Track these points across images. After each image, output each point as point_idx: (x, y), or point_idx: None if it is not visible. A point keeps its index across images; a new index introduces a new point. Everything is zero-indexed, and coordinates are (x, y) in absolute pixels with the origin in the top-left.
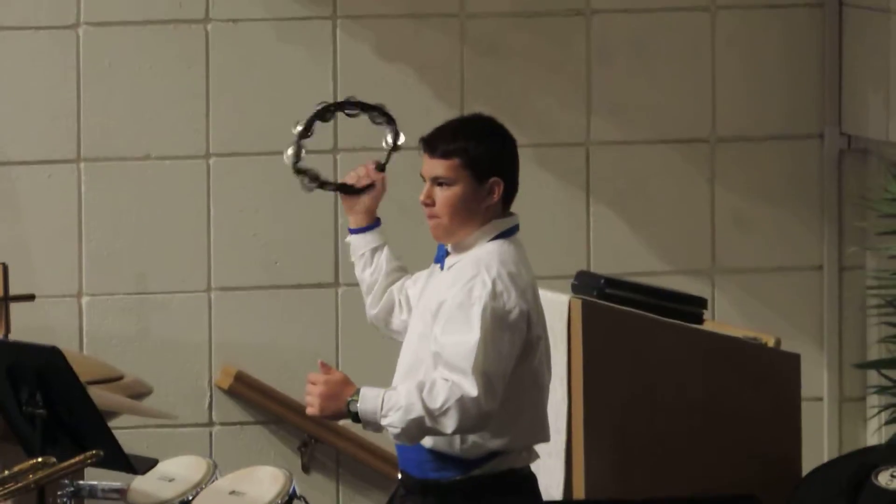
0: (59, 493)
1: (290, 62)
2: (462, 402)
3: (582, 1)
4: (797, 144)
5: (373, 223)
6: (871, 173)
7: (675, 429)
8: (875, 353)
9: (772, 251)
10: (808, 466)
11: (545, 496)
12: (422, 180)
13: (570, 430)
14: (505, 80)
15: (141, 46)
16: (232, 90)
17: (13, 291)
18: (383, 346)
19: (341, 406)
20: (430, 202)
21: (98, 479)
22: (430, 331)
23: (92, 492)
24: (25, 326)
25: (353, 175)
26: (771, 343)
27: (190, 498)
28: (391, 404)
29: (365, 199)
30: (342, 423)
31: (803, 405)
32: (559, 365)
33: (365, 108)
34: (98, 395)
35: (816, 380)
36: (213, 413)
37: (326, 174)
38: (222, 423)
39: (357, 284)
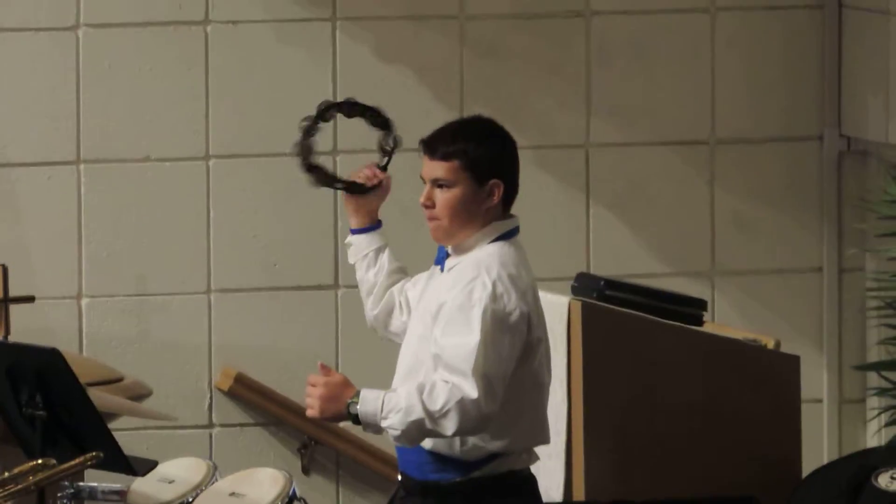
0: (59, 494)
1: (289, 64)
2: (462, 403)
3: (581, 2)
4: (797, 146)
5: (374, 224)
6: (871, 175)
7: (674, 430)
8: (875, 354)
9: (771, 253)
10: (807, 468)
11: (545, 498)
12: (422, 182)
13: (570, 431)
14: (504, 82)
15: (141, 48)
16: (232, 92)
17: (13, 293)
18: (383, 348)
19: (341, 408)
20: (430, 204)
21: (98, 480)
22: (430, 332)
23: (92, 493)
24: (25, 328)
25: (362, 175)
26: (771, 345)
27: (190, 500)
28: (391, 406)
29: (370, 200)
30: (342, 424)
31: (803, 407)
32: (559, 367)
33: (362, 109)
34: (98, 396)
35: (816, 382)
36: (213, 415)
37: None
38: (222, 425)
39: (357, 286)
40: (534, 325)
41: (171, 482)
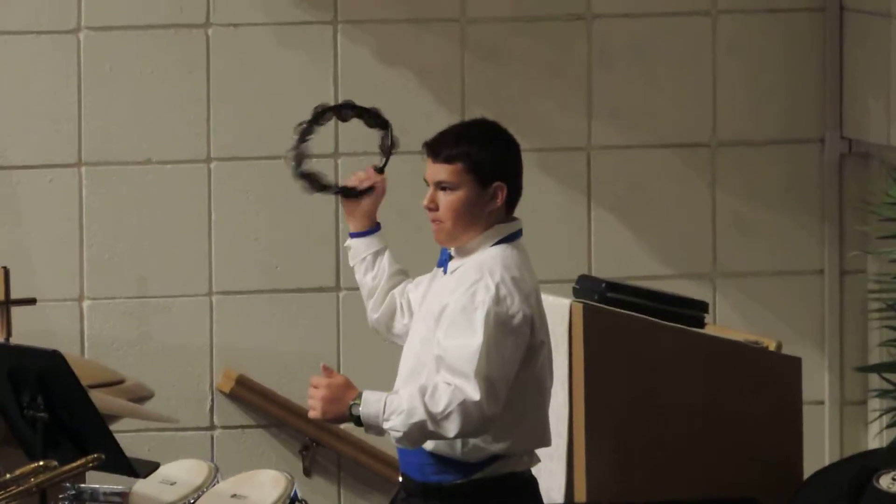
0: (60, 496)
1: (290, 67)
2: (464, 406)
3: (583, 5)
4: (798, 149)
5: (373, 227)
6: (872, 177)
7: (676, 432)
8: (876, 356)
9: (773, 255)
10: (809, 470)
11: (546, 499)
12: (424, 185)
13: (571, 433)
14: (506, 85)
15: (142, 51)
16: (233, 95)
17: (14, 295)
18: (384, 350)
19: (343, 409)
20: (433, 206)
21: (99, 482)
22: (433, 334)
23: (93, 495)
24: (27, 330)
25: (354, 178)
26: (772, 347)
27: (191, 501)
28: (393, 408)
29: (365, 203)
30: (343, 426)
31: (804, 409)
32: (560, 368)
33: (359, 111)
34: (99, 398)
35: (818, 383)
36: (215, 417)
37: (328, 178)
38: (224, 427)
39: (358, 288)
40: (536, 328)
41: (172, 484)
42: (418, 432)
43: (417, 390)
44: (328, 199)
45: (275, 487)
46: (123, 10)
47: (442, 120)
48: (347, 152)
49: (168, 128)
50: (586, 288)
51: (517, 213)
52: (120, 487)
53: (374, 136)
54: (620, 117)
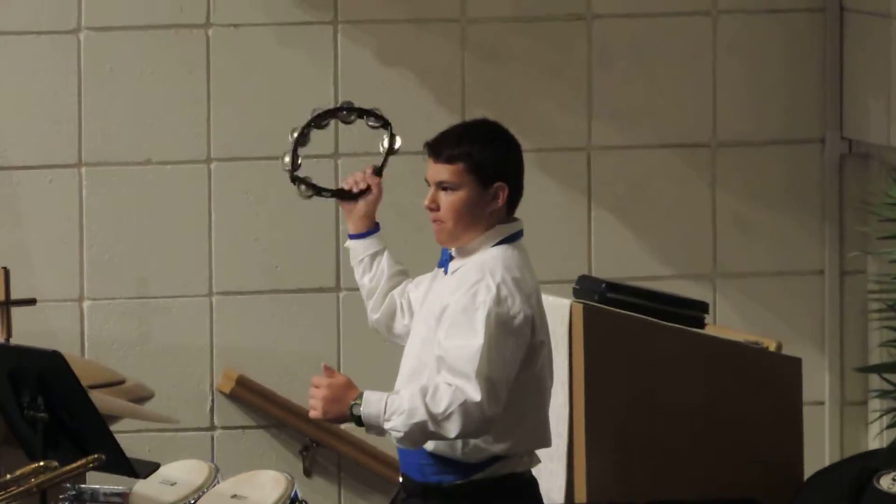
0: (60, 496)
1: (291, 67)
2: (465, 406)
3: (583, 5)
4: (798, 149)
5: (372, 228)
6: (873, 178)
7: (676, 433)
8: (876, 356)
9: (773, 255)
10: (809, 470)
11: (547, 500)
12: (425, 185)
13: (571, 434)
14: (506, 85)
15: (142, 51)
16: (233, 95)
17: (15, 296)
18: (385, 350)
19: (344, 409)
20: (434, 207)
21: (100, 482)
22: (434, 335)
23: (94, 496)
24: (27, 331)
25: (349, 180)
26: (772, 347)
27: (192, 502)
28: (394, 408)
29: (362, 204)
30: (344, 426)
31: (805, 409)
32: (560, 369)
33: (360, 112)
34: (99, 399)
35: (818, 384)
36: (215, 417)
37: (327, 179)
38: (224, 427)
39: (358, 289)
40: (537, 329)
41: (172, 484)
42: (419, 433)
43: (418, 391)
44: (328, 200)
45: (275, 488)
46: (123, 11)
47: (442, 120)
48: (347, 153)
49: (168, 128)
50: (586, 288)
51: (517, 213)
52: (120, 488)
53: (374, 136)
54: (620, 117)
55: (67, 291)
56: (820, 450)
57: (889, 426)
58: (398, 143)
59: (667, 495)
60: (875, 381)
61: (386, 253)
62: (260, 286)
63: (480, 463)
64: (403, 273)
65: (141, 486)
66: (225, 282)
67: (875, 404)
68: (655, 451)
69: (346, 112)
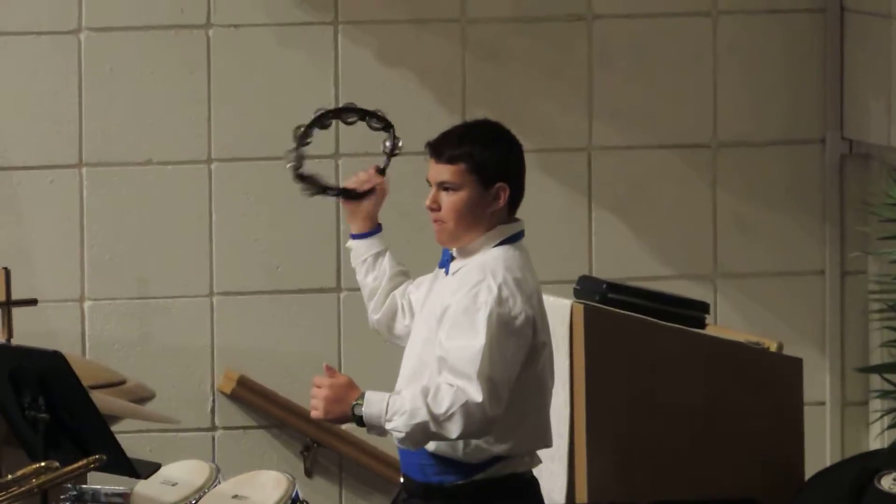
0: (62, 497)
1: (291, 67)
2: (467, 407)
3: (583, 6)
4: (799, 149)
5: (374, 228)
6: (873, 178)
7: (677, 433)
8: (877, 357)
9: (774, 256)
10: (810, 471)
11: (548, 501)
12: (425, 185)
13: (572, 434)
14: (506, 85)
15: (142, 52)
16: (233, 95)
17: (15, 296)
18: (386, 350)
19: (346, 410)
20: (435, 207)
21: (101, 483)
22: (435, 335)
23: (95, 496)
24: (28, 331)
25: (354, 180)
26: (773, 347)
27: (193, 502)
28: (396, 408)
29: (366, 204)
30: (345, 427)
31: (805, 409)
32: (561, 369)
33: (362, 113)
34: (100, 399)
35: (819, 384)
36: (216, 417)
37: (328, 180)
38: (225, 428)
39: (359, 289)
40: (538, 329)
41: (173, 485)
42: (421, 433)
43: (420, 391)
44: (328, 200)
45: (276, 488)
46: (124, 11)
47: (442, 120)
48: (348, 153)
49: (169, 128)
50: (587, 288)
51: (518, 213)
52: (121, 488)
53: (376, 136)
54: (621, 118)
55: (68, 292)
56: (821, 450)
57: (890, 426)
58: (400, 144)
59: (668, 495)
60: (876, 381)
61: (388, 253)
62: (261, 286)
63: (482, 463)
64: (404, 274)
65: (142, 487)
66: (226, 282)
67: (876, 404)
68: (656, 451)
69: (349, 113)
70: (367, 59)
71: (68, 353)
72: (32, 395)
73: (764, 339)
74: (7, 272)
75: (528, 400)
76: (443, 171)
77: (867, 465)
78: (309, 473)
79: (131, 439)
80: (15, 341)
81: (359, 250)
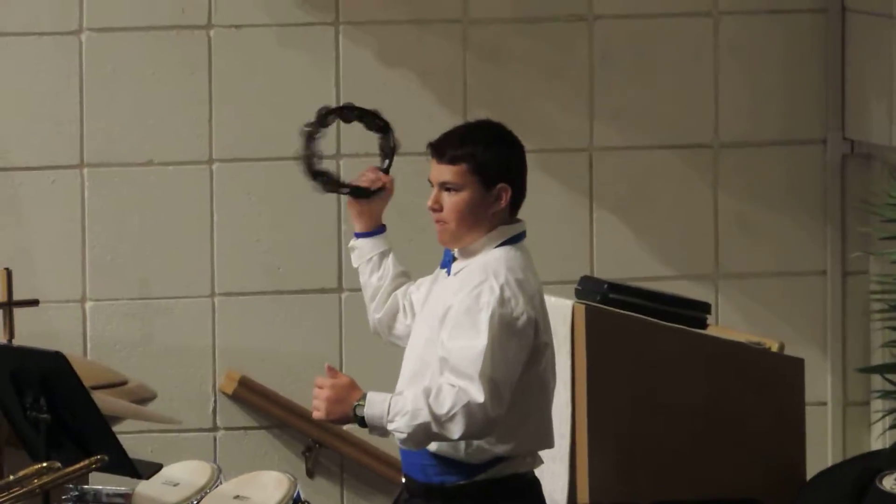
0: (63, 497)
1: (292, 68)
2: (468, 407)
3: (584, 6)
4: (800, 150)
5: (379, 228)
6: (875, 178)
7: (678, 433)
8: (879, 357)
9: (775, 256)
10: (812, 471)
11: (549, 501)
12: (426, 185)
13: (573, 434)
14: (507, 86)
15: (144, 52)
16: (235, 96)
17: (17, 297)
18: (387, 351)
19: (348, 410)
20: (437, 207)
21: (102, 483)
22: (437, 336)
23: (97, 496)
24: (29, 332)
25: (365, 178)
26: (774, 348)
27: (194, 502)
28: (397, 409)
29: (374, 203)
30: (346, 427)
31: (807, 410)
32: (563, 370)
33: (361, 113)
34: (102, 399)
35: (820, 384)
36: (217, 418)
37: (341, 178)
38: (226, 428)
39: (360, 290)
40: (540, 330)
41: (175, 485)
42: (423, 434)
43: (422, 392)
44: (330, 200)
45: (278, 489)
46: (125, 12)
47: (444, 121)
48: (350, 153)
49: (170, 129)
50: (588, 289)
51: (519, 214)
52: (123, 489)
53: (377, 137)
54: (622, 118)
55: (70, 292)
56: (822, 450)
57: (891, 427)
58: (398, 145)
59: (669, 496)
60: (877, 381)
61: (391, 253)
62: (262, 287)
63: (483, 464)
64: (405, 275)
65: (143, 487)
66: (227, 283)
67: (877, 405)
68: (658, 451)
69: (348, 112)
70: (368, 59)
71: (70, 354)
72: (34, 396)
73: (765, 340)
74: (8, 273)
75: (530, 400)
76: (445, 172)
77: (869, 466)
78: (310, 474)
79: (133, 440)
80: (16, 342)
81: (364, 249)
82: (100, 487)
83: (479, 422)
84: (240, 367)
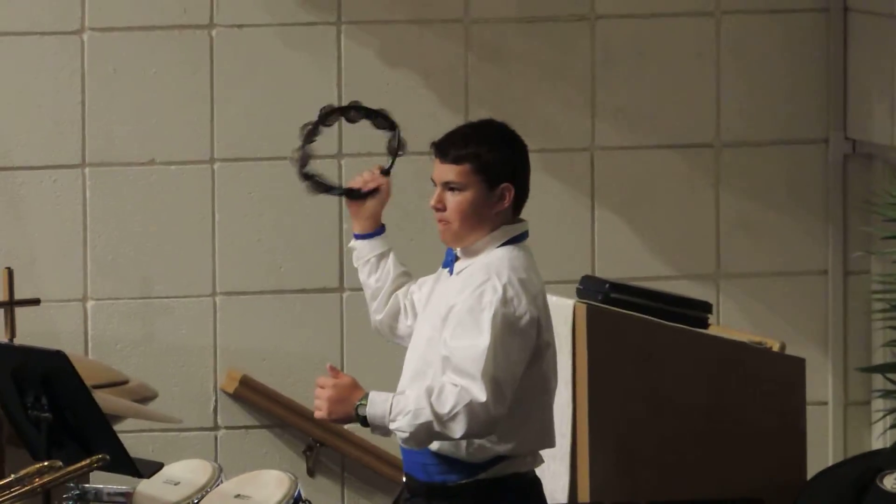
0: (64, 496)
1: (294, 67)
2: (471, 407)
3: (586, 6)
4: (802, 149)
5: (377, 229)
6: (876, 178)
7: (679, 433)
8: (880, 356)
9: (777, 256)
10: (813, 470)
11: (550, 500)
12: (430, 185)
13: (574, 434)
14: (509, 86)
15: (146, 52)
16: (236, 95)
17: (18, 296)
18: (388, 350)
19: (349, 410)
20: (440, 207)
21: (104, 482)
22: (439, 335)
23: (98, 495)
24: (31, 331)
25: (358, 179)
26: (776, 347)
27: (195, 501)
28: (400, 409)
29: (370, 205)
30: (348, 427)
31: (808, 409)
32: (564, 369)
33: (367, 113)
34: (103, 399)
35: (821, 384)
36: (219, 417)
37: (332, 179)
38: (227, 427)
39: (362, 289)
40: (543, 330)
41: (176, 484)
42: (425, 433)
43: (424, 391)
44: (332, 200)
45: (278, 488)
46: (127, 11)
47: (446, 121)
48: (351, 153)
49: (172, 129)
50: (590, 288)
51: (521, 213)
52: (124, 488)
53: (379, 136)
54: (624, 118)
55: (71, 291)
56: (823, 450)
57: (892, 426)
58: (405, 144)
59: (669, 495)
60: (878, 381)
61: (391, 254)
62: (263, 286)
63: (484, 463)
64: (407, 275)
65: (144, 486)
66: (228, 282)
67: (878, 404)
68: (658, 450)
69: (354, 112)
70: (370, 59)
71: (71, 353)
72: (35, 395)
73: (767, 339)
74: (10, 272)
75: (532, 400)
76: (448, 172)
77: (870, 465)
78: (311, 473)
79: (134, 439)
80: (18, 341)
81: (362, 251)
82: (101, 486)
83: (481, 421)
84: (241, 366)
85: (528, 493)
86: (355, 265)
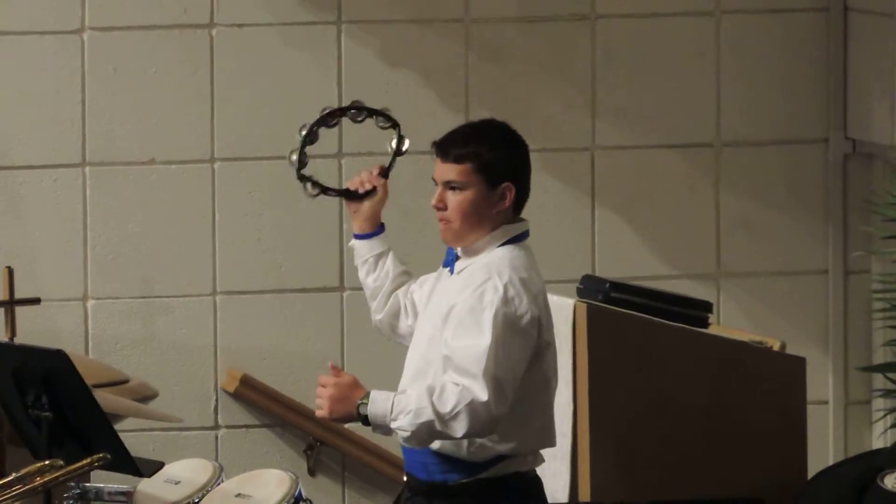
0: (65, 495)
1: (294, 67)
2: (472, 406)
3: (586, 6)
4: (802, 149)
5: (377, 229)
6: (876, 177)
7: (680, 432)
8: (880, 356)
9: (777, 255)
10: (813, 470)
11: (550, 499)
12: (430, 185)
13: (575, 433)
14: (510, 85)
15: (146, 51)
16: (237, 95)
17: (19, 295)
18: (389, 349)
19: (351, 409)
20: (441, 206)
21: (104, 481)
22: (440, 334)
23: (98, 494)
24: (31, 330)
25: (355, 180)
26: (776, 347)
27: (196, 501)
28: (401, 408)
29: (367, 205)
30: (349, 426)
31: (809, 409)
32: (564, 369)
33: (370, 112)
34: (104, 398)
35: (822, 383)
36: (219, 416)
37: (331, 179)
38: (228, 427)
39: (362, 288)
40: (544, 329)
41: (177, 483)
42: (426, 432)
43: (425, 390)
44: (332, 199)
45: (279, 487)
46: (127, 11)
47: (446, 120)
48: (351, 153)
49: (172, 128)
50: (590, 288)
51: (522, 213)
52: (124, 487)
53: (379, 137)
54: (624, 117)
55: (71, 291)
56: (824, 449)
57: (893, 425)
58: (406, 144)
59: (670, 494)
60: (879, 380)
61: (391, 254)
62: (264, 285)
63: (485, 462)
64: (407, 274)
65: (145, 485)
66: (229, 281)
67: (879, 403)
68: (659, 450)
69: (356, 112)
70: (370, 58)
71: (71, 352)
72: (36, 394)
73: (767, 339)
74: (10, 271)
75: (533, 399)
76: (449, 171)
77: (870, 464)
78: (312, 472)
79: (134, 438)
80: (18, 340)
81: (361, 251)
82: (101, 485)
83: (482, 420)
84: (241, 365)
85: (528, 492)
86: (355, 265)
